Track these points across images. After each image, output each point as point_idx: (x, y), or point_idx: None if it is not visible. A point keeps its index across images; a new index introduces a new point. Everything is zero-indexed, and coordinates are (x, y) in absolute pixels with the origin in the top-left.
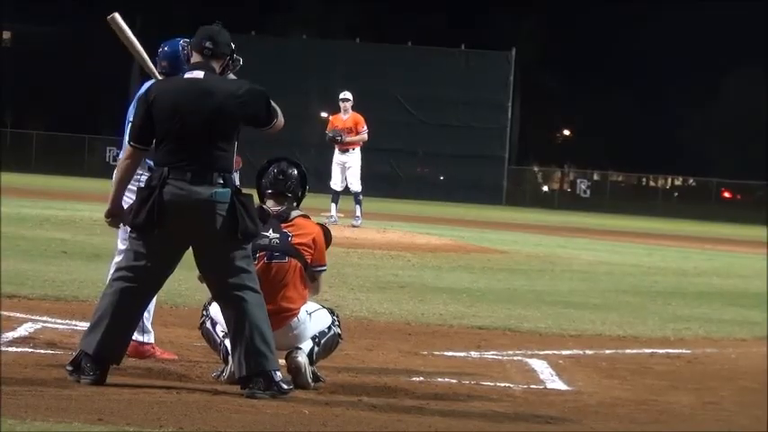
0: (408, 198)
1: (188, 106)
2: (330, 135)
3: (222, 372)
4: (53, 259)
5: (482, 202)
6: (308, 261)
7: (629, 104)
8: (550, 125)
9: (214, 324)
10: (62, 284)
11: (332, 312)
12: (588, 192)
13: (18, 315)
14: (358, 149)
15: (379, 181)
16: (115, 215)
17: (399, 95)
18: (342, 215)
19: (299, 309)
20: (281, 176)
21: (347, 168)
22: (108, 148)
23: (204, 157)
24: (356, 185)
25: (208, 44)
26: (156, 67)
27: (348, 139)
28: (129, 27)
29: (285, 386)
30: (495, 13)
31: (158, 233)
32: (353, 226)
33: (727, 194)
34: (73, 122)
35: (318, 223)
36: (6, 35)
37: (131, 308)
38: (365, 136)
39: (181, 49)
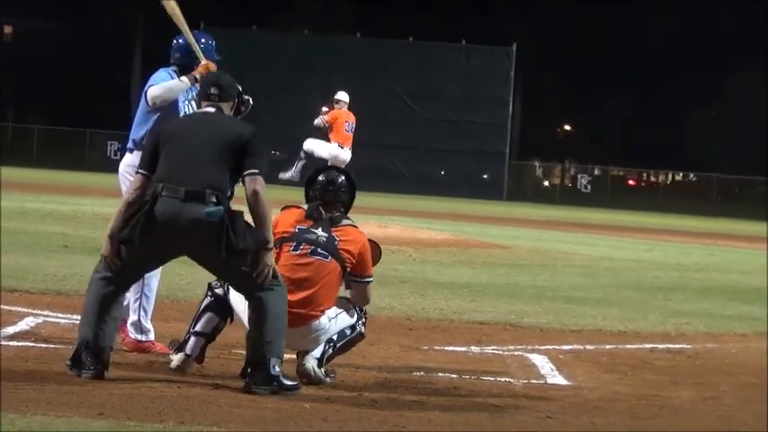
0: (409, 193)
1: (192, 131)
2: (317, 122)
3: (172, 359)
4: (54, 253)
5: (483, 197)
6: (349, 269)
7: (630, 99)
8: (551, 120)
9: (201, 314)
10: (63, 279)
11: (360, 310)
12: (589, 187)
13: (19, 309)
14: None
15: (380, 176)
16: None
17: (400, 91)
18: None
19: (324, 313)
20: (330, 187)
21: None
22: (109, 143)
23: (199, 176)
24: (307, 144)
25: (213, 90)
26: (170, 59)
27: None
28: (131, 25)
29: (287, 382)
30: (496, 9)
31: (148, 245)
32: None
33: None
34: (74, 117)
35: (370, 240)
36: (8, 29)
37: (114, 296)
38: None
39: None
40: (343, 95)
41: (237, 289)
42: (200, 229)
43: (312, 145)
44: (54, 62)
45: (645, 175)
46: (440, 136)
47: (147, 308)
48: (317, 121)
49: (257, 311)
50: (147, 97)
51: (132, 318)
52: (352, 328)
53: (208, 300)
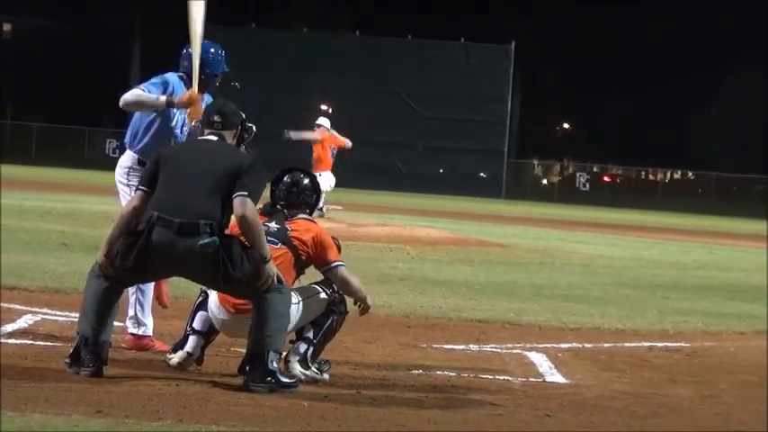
0: (408, 191)
1: (192, 159)
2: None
3: (171, 357)
4: (53, 251)
5: (482, 195)
6: (304, 258)
7: (629, 98)
8: (550, 119)
9: (196, 312)
10: (62, 276)
11: (331, 292)
12: (587, 185)
13: (18, 307)
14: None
15: (379, 174)
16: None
17: (399, 89)
18: (340, 208)
19: None
20: (294, 188)
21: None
22: (108, 141)
23: (194, 206)
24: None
25: (216, 117)
26: (179, 65)
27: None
28: (131, 24)
29: (285, 379)
30: (495, 7)
31: (144, 266)
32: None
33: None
34: (73, 115)
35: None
36: (6, 27)
37: (111, 293)
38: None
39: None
40: (325, 121)
41: (243, 297)
42: (196, 260)
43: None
44: (53, 60)
45: (643, 173)
46: (439, 134)
47: (143, 302)
48: (312, 135)
49: (260, 311)
50: (122, 96)
51: (129, 312)
52: (326, 315)
53: (201, 297)
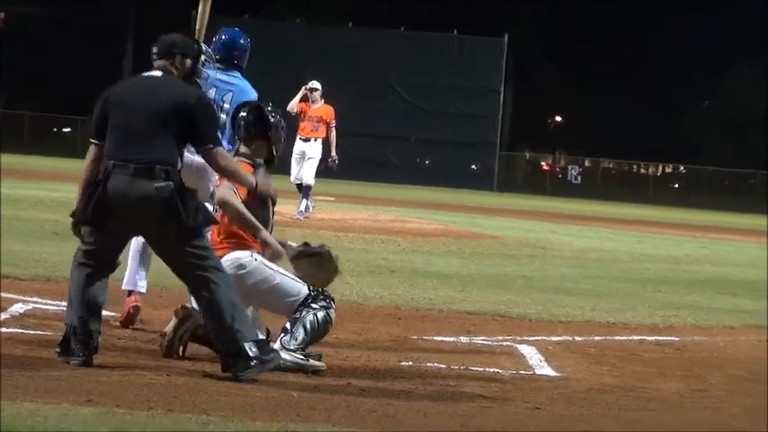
0: (400, 183)
1: (135, 100)
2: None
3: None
4: (45, 240)
5: (473, 187)
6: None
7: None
8: (542, 111)
9: None
10: (54, 265)
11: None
12: (579, 178)
13: (9, 296)
14: (320, 141)
15: (371, 166)
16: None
17: (391, 81)
18: (332, 198)
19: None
20: (242, 122)
21: (306, 159)
22: None
23: (147, 150)
24: (309, 178)
25: (153, 49)
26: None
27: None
28: (124, 12)
29: (266, 356)
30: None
31: (106, 226)
32: (297, 219)
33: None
34: (66, 104)
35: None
36: (0, 15)
37: (92, 284)
38: (333, 133)
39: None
40: (317, 84)
41: (184, 279)
42: (150, 205)
43: (311, 179)
44: (46, 48)
45: (635, 167)
46: (431, 126)
47: (144, 258)
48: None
49: (210, 308)
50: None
51: (131, 263)
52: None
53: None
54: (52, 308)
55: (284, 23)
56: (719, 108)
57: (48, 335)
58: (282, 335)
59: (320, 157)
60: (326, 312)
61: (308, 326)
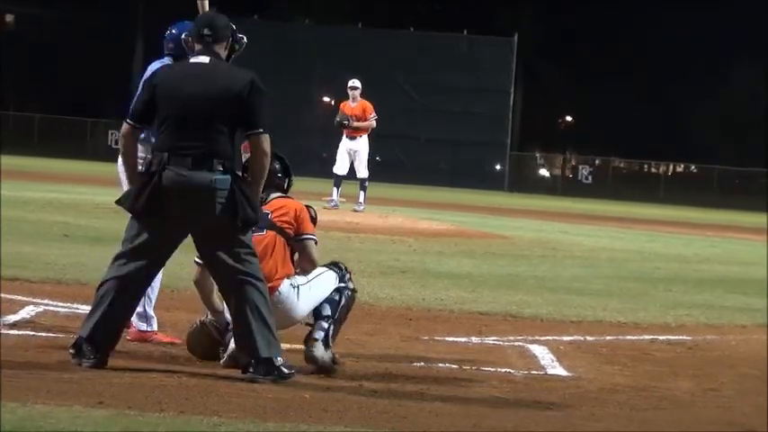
0: (410, 183)
1: (190, 90)
2: (338, 120)
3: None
4: (55, 242)
5: (484, 187)
6: (292, 234)
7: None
8: (552, 111)
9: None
10: (64, 268)
11: (339, 269)
12: (590, 178)
13: (19, 298)
14: (366, 136)
15: (381, 166)
16: None
17: (401, 81)
18: (344, 200)
19: (280, 283)
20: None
21: (354, 154)
22: (110, 132)
23: (204, 142)
24: (363, 172)
25: (206, 31)
26: (164, 49)
27: (356, 124)
28: (132, 14)
29: (286, 370)
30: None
31: (158, 219)
32: (355, 210)
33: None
34: (75, 106)
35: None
36: (9, 18)
37: (127, 292)
38: (373, 123)
39: (183, 37)
40: (357, 82)
41: (221, 278)
42: (210, 198)
43: (365, 171)
44: (55, 51)
45: (646, 166)
46: (441, 126)
47: (151, 297)
48: (339, 119)
49: (244, 308)
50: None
51: (137, 308)
52: (339, 291)
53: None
54: (63, 310)
55: (293, 24)
56: (730, 107)
57: (59, 337)
58: (324, 323)
59: (368, 150)
60: (353, 295)
61: (344, 312)
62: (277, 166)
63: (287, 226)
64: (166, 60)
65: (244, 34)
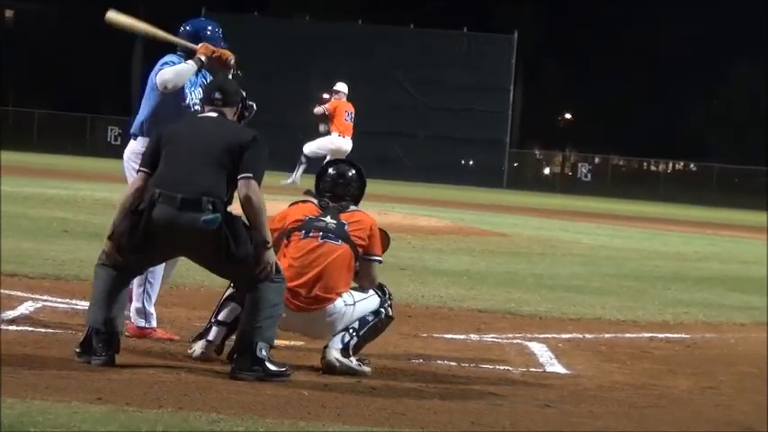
0: (409, 180)
1: (192, 134)
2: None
3: (193, 349)
4: (54, 238)
5: (483, 185)
6: (361, 251)
7: (630, 88)
8: (552, 109)
9: (224, 304)
10: (63, 264)
11: (383, 293)
12: (589, 175)
13: (18, 294)
14: (335, 131)
15: (380, 163)
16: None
17: (401, 78)
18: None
19: (339, 296)
20: (340, 180)
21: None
22: (110, 128)
23: (196, 182)
24: (307, 147)
25: (217, 95)
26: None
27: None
28: (132, 12)
29: (273, 367)
30: None
31: (147, 247)
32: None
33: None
34: (75, 102)
35: (379, 228)
36: (8, 14)
37: (121, 282)
38: (321, 108)
39: (203, 28)
40: (342, 86)
41: (238, 286)
42: (198, 237)
43: (311, 147)
44: (55, 47)
45: (645, 164)
46: (440, 123)
47: (151, 294)
48: (318, 109)
49: (253, 299)
50: (158, 81)
51: (136, 304)
52: (376, 313)
53: (231, 290)
54: (62, 306)
55: (294, 21)
56: (729, 104)
57: (57, 333)
58: (346, 334)
59: (329, 138)
60: (389, 320)
61: (373, 332)
62: (351, 174)
63: (359, 241)
64: (178, 55)
65: (244, 29)
